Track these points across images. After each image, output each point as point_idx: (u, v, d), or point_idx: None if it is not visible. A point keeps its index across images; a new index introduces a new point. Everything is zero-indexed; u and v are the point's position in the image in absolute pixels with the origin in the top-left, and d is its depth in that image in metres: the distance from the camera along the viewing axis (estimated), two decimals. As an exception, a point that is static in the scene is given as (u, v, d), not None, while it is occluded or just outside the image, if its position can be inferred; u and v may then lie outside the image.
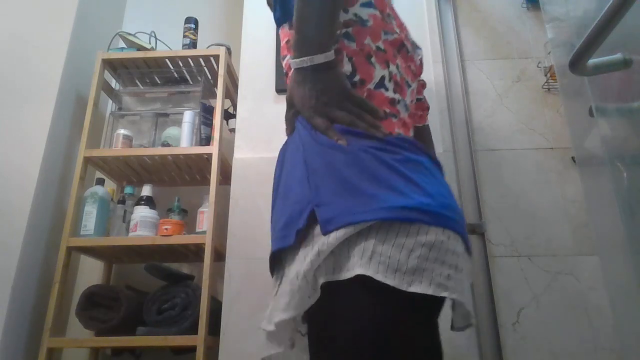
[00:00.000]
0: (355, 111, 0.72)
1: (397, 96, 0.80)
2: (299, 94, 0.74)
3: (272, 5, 0.88)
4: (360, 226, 0.63)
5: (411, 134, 0.84)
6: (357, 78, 0.77)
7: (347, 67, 0.77)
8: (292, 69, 0.75)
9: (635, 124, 1.10)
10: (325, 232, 0.63)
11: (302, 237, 0.67)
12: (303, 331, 0.77)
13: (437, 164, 0.79)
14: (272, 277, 0.77)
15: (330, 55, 0.71)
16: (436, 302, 0.66)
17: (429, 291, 0.60)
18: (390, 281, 0.60)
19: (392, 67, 0.80)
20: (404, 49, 0.85)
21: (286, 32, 0.86)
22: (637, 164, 1.08)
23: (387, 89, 0.79)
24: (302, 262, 0.65)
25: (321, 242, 0.63)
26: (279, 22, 0.87)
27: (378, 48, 0.79)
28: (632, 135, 1.12)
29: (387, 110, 0.77)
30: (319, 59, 0.71)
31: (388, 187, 0.65)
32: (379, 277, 0.60)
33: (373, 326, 0.61)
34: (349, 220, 0.63)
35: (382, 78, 0.78)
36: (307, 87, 0.73)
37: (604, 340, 1.25)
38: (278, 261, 0.74)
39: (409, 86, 0.84)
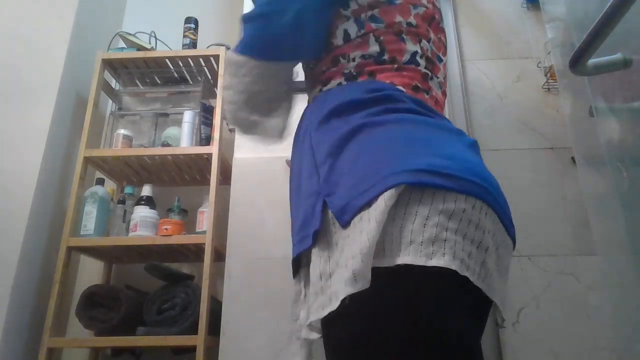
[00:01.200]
0: None
1: (428, 72, 0.76)
2: None
3: None
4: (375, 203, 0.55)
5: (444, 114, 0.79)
6: (385, 57, 0.73)
7: (374, 48, 0.73)
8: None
9: (635, 124, 1.10)
10: (344, 224, 0.58)
11: (319, 235, 0.61)
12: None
13: (470, 141, 0.70)
14: (295, 280, 0.72)
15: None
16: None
17: (453, 266, 0.51)
18: (404, 257, 0.52)
19: (424, 42, 0.77)
20: (434, 21, 0.81)
21: None
22: (637, 164, 1.08)
23: (418, 64, 0.75)
24: (325, 261, 0.60)
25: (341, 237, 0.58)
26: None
27: (409, 24, 0.75)
28: (632, 135, 1.12)
29: (419, 85, 0.74)
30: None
31: (393, 151, 0.59)
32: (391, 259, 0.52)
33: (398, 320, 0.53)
34: (361, 202, 0.56)
35: (415, 54, 0.75)
36: None
37: (604, 340, 1.24)
38: (299, 265, 0.70)
39: (441, 61, 0.80)
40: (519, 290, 1.31)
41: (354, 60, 0.74)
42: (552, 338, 1.26)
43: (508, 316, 1.29)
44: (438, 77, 0.78)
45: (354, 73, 0.74)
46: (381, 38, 0.73)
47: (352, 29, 0.74)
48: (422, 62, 0.75)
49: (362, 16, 0.74)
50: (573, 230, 1.37)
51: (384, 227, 0.54)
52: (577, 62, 0.97)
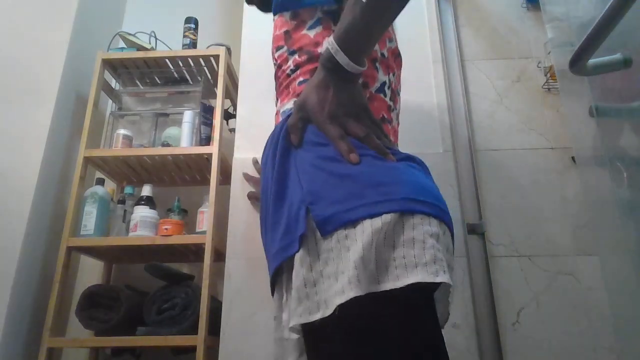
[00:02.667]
0: (372, 127, 0.70)
1: (391, 104, 0.81)
2: (318, 97, 0.69)
3: None
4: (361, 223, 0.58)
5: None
6: (361, 80, 0.75)
7: None
8: (318, 71, 0.70)
9: (635, 124, 1.10)
10: (326, 234, 0.60)
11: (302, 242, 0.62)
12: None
13: (424, 168, 0.77)
14: (273, 294, 0.72)
15: (362, 69, 0.68)
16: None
17: (450, 281, 0.58)
18: (415, 277, 0.55)
19: (391, 75, 0.81)
20: (399, 58, 0.87)
21: (284, 22, 0.83)
22: (637, 164, 1.08)
23: (385, 95, 0.79)
24: (308, 269, 0.60)
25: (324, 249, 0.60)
26: (277, 10, 0.84)
27: (382, 55, 0.80)
28: (632, 135, 1.12)
29: (385, 116, 0.78)
30: (355, 68, 0.67)
31: (377, 182, 0.63)
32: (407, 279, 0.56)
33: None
34: (345, 219, 0.59)
35: (383, 84, 0.79)
36: (331, 93, 0.68)
37: (604, 340, 1.24)
38: (280, 273, 0.69)
39: (399, 95, 0.87)
40: (519, 290, 1.31)
41: None
42: (552, 338, 1.26)
43: (508, 316, 1.29)
44: (397, 109, 0.84)
45: None
46: None
47: None
48: (388, 92, 0.80)
49: None
50: (573, 230, 1.37)
51: (379, 252, 0.57)
52: (577, 62, 0.97)
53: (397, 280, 0.56)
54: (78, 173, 1.55)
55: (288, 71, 0.80)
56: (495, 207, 1.41)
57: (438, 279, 0.56)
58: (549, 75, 1.51)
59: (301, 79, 0.78)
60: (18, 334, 1.43)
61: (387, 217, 0.58)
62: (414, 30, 1.62)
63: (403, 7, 0.67)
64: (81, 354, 1.64)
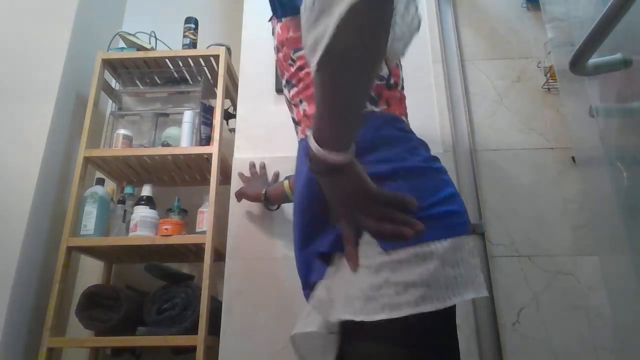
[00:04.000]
0: (385, 215, 0.62)
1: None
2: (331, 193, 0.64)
3: None
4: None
5: None
6: (392, 81, 0.75)
7: (384, 70, 0.75)
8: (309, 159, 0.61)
9: (635, 124, 1.10)
10: (388, 250, 0.61)
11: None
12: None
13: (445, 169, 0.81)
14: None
15: (351, 154, 0.58)
16: None
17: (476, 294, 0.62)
18: (471, 294, 0.61)
19: (401, 72, 0.84)
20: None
21: (290, 25, 0.77)
22: (637, 164, 1.08)
23: (403, 90, 0.82)
24: (374, 274, 0.62)
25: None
26: (285, 13, 0.78)
27: None
28: (632, 135, 1.12)
29: (406, 113, 0.81)
30: (337, 158, 0.57)
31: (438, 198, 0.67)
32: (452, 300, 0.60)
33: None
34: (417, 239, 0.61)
35: (403, 80, 0.81)
36: (329, 193, 0.63)
37: (604, 340, 1.25)
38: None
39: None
40: (519, 290, 1.31)
41: None
42: (552, 338, 1.26)
43: (508, 316, 1.29)
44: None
45: (374, 96, 0.74)
46: (387, 61, 0.74)
47: None
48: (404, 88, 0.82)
49: None
50: (573, 230, 1.37)
51: (437, 271, 0.60)
52: (577, 62, 0.97)
53: (455, 297, 0.60)
54: (78, 173, 1.55)
55: None
56: (495, 207, 1.41)
57: (482, 294, 0.63)
58: (549, 75, 1.51)
59: None
60: (18, 334, 1.43)
61: (451, 240, 0.63)
62: (414, 30, 1.62)
63: (368, 78, 0.54)
64: (81, 354, 1.64)
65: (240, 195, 1.37)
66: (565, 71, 1.19)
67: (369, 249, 0.63)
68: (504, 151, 1.48)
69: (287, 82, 0.81)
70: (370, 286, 0.60)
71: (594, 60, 0.97)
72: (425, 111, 1.51)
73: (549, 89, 1.53)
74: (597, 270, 1.30)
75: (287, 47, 0.78)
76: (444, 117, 1.50)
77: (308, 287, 0.71)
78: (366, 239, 0.63)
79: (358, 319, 0.58)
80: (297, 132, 0.82)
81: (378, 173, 0.64)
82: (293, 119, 0.83)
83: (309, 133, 0.59)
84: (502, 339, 1.26)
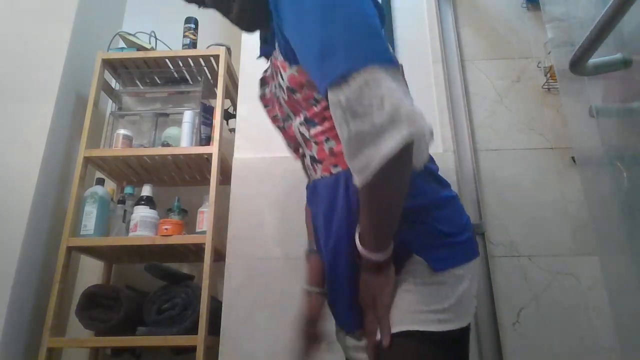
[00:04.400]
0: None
1: None
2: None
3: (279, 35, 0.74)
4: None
5: None
6: None
7: None
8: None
9: (635, 124, 1.10)
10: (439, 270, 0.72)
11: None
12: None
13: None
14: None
15: (388, 253, 0.70)
16: None
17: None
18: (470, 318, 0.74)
19: None
20: None
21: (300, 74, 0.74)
22: (637, 164, 1.08)
23: None
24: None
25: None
26: (298, 60, 0.72)
27: None
28: (632, 135, 1.12)
29: None
30: (377, 257, 0.70)
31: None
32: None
33: None
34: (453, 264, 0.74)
35: None
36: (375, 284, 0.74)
37: (604, 340, 1.25)
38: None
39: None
40: (519, 290, 1.31)
41: None
42: (552, 338, 1.26)
43: (508, 316, 1.29)
44: None
45: None
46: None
47: None
48: None
49: None
50: (573, 230, 1.37)
51: (467, 289, 0.74)
52: (577, 62, 0.97)
53: (474, 310, 0.76)
54: (78, 173, 1.55)
55: None
56: (496, 207, 1.41)
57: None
58: (549, 75, 1.51)
59: None
60: (18, 334, 1.43)
61: (472, 262, 0.76)
62: (414, 31, 1.62)
63: (401, 199, 0.66)
64: (81, 354, 1.64)
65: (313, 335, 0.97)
66: (565, 71, 1.18)
67: (419, 268, 0.72)
68: (504, 151, 1.48)
69: (307, 120, 0.79)
70: (424, 302, 0.70)
71: (594, 60, 0.97)
72: (425, 111, 1.50)
73: (549, 89, 1.53)
74: (597, 270, 1.30)
75: (309, 89, 0.76)
76: (444, 117, 1.50)
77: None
78: (416, 258, 0.72)
79: (421, 329, 0.68)
80: (312, 169, 0.82)
81: (419, 205, 0.74)
82: (311, 157, 0.81)
83: (359, 230, 0.70)
84: (502, 339, 1.26)
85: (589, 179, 1.35)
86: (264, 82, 0.93)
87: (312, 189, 0.85)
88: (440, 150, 1.45)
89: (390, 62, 0.60)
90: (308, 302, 0.90)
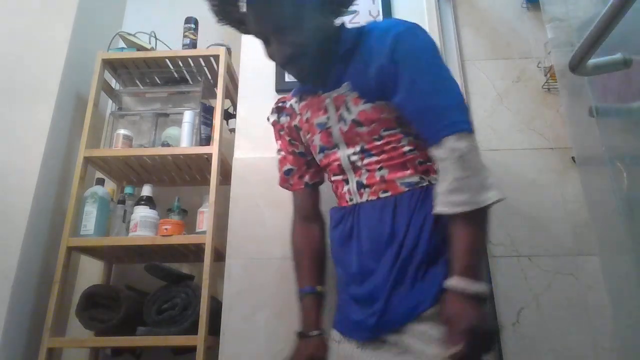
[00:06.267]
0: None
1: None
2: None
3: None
4: None
5: None
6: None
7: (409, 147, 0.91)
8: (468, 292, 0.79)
9: (635, 124, 1.10)
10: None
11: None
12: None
13: None
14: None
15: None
16: None
17: None
18: None
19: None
20: None
21: (384, 108, 0.90)
22: (637, 164, 1.08)
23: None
24: None
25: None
26: (374, 98, 0.90)
27: None
28: (632, 135, 1.12)
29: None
30: (481, 288, 0.78)
31: None
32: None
33: None
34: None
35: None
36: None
37: (604, 340, 1.24)
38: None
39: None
40: (519, 290, 1.31)
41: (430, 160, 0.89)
42: (552, 338, 1.26)
43: (508, 316, 1.29)
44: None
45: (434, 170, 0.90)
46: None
47: None
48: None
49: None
50: (573, 230, 1.37)
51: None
52: (577, 62, 0.97)
53: None
54: (78, 173, 1.55)
55: (405, 150, 0.91)
56: (495, 207, 1.40)
57: None
58: (549, 75, 1.51)
59: (421, 159, 0.91)
60: (18, 334, 1.43)
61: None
62: (414, 30, 1.62)
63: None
64: (81, 354, 1.64)
65: None
66: (565, 71, 1.19)
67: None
68: (504, 151, 1.48)
69: (364, 150, 0.92)
70: None
71: (594, 60, 0.97)
72: (425, 111, 1.51)
73: (549, 89, 1.53)
74: (597, 270, 1.30)
75: (378, 125, 0.90)
76: (444, 117, 1.49)
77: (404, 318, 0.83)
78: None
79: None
80: (358, 193, 0.93)
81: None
82: (358, 182, 0.93)
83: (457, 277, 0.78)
84: (502, 339, 1.26)
85: (589, 179, 1.35)
86: (280, 110, 1.14)
87: (350, 210, 0.95)
88: (440, 150, 1.45)
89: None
90: (313, 346, 0.98)
